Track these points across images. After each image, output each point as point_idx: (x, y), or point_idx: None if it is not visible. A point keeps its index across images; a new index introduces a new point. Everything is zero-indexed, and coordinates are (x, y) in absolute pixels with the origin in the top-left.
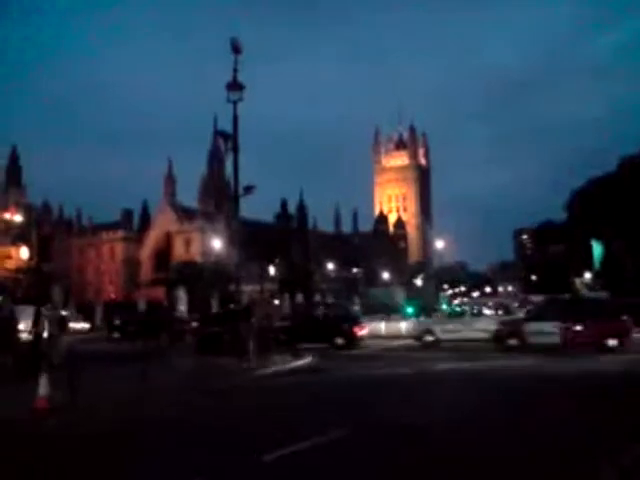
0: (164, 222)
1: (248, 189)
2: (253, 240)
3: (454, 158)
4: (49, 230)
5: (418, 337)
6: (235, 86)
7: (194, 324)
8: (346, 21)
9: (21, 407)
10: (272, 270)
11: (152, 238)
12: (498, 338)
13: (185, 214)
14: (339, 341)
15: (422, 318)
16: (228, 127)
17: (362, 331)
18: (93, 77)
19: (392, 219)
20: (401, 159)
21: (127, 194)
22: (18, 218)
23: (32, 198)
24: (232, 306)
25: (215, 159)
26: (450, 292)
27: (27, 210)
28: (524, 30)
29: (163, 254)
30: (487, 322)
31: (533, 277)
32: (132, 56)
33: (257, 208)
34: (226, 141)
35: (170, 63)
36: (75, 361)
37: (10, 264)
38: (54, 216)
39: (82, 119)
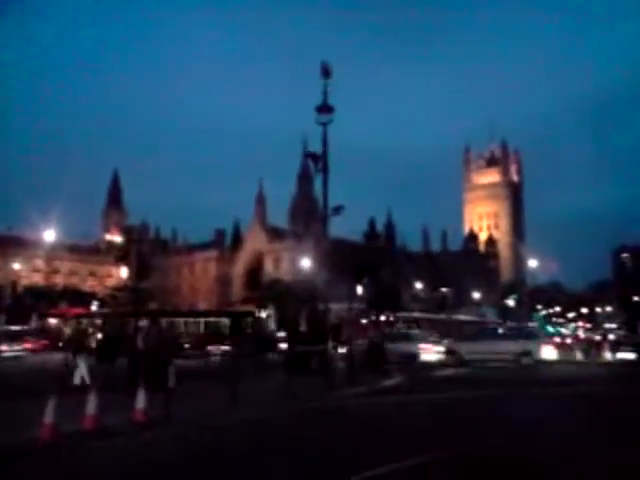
0: (255, 242)
1: (337, 209)
2: (342, 259)
3: (551, 176)
4: (147, 250)
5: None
6: (325, 109)
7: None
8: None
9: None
10: (360, 289)
11: (243, 257)
12: None
13: (275, 234)
14: None
15: None
16: (318, 149)
17: None
18: (187, 102)
19: (482, 237)
20: (492, 176)
21: (221, 217)
22: (118, 239)
23: (131, 220)
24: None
25: (304, 180)
26: (544, 313)
27: (127, 231)
28: (631, 44)
29: (254, 273)
30: None
31: (635, 298)
32: (225, 80)
33: (346, 228)
34: (316, 162)
35: (262, 88)
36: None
37: (110, 282)
38: (151, 236)
39: (169, 147)
